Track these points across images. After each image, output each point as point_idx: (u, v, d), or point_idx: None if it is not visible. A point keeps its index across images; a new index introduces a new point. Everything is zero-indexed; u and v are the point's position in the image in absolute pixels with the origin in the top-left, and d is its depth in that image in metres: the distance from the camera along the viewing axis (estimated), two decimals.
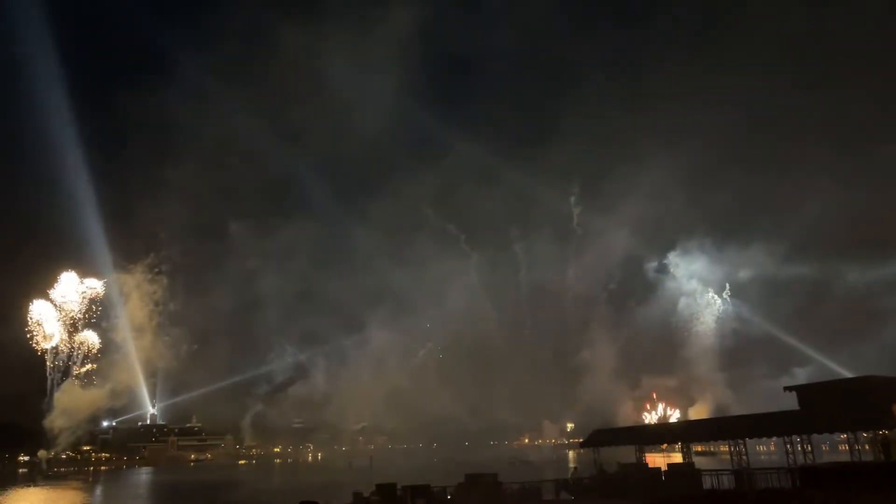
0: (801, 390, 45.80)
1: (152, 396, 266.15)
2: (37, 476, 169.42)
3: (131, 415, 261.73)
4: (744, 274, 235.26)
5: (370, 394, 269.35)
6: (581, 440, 63.04)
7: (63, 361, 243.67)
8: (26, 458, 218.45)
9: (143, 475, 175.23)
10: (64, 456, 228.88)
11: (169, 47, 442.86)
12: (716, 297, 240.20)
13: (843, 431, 41.25)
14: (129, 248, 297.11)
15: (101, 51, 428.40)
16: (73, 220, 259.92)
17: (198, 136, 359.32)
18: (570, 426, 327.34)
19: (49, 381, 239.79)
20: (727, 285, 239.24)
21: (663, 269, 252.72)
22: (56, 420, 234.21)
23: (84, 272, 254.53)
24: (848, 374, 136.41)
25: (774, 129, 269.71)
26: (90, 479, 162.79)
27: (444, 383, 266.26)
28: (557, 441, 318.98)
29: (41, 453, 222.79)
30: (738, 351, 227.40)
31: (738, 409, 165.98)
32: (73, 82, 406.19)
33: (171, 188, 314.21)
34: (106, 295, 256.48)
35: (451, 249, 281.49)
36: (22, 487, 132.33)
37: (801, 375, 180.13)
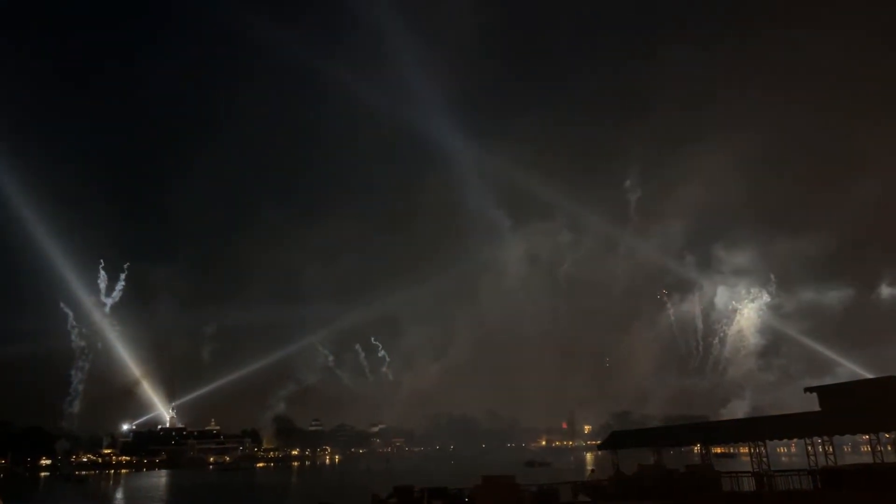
0: (822, 391, 45.24)
1: (172, 399, 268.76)
2: (60, 481, 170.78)
3: (149, 415, 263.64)
4: (792, 267, 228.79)
5: (391, 395, 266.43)
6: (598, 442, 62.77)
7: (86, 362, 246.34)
8: (48, 462, 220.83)
9: (164, 478, 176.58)
10: (85, 459, 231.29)
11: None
12: (762, 291, 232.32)
13: (864, 433, 40.68)
14: (157, 239, 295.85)
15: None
16: (94, 213, 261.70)
17: (240, 117, 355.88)
18: (587, 428, 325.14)
19: (72, 382, 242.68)
20: (773, 277, 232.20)
21: (707, 263, 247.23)
22: (77, 421, 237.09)
23: (108, 268, 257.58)
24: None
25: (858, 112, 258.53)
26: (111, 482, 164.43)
27: (467, 384, 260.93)
28: (574, 443, 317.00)
29: (60, 444, 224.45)
30: (779, 348, 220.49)
31: (776, 410, 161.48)
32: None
33: (205, 177, 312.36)
34: (131, 291, 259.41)
35: (496, 238, 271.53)
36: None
37: (844, 374, 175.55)
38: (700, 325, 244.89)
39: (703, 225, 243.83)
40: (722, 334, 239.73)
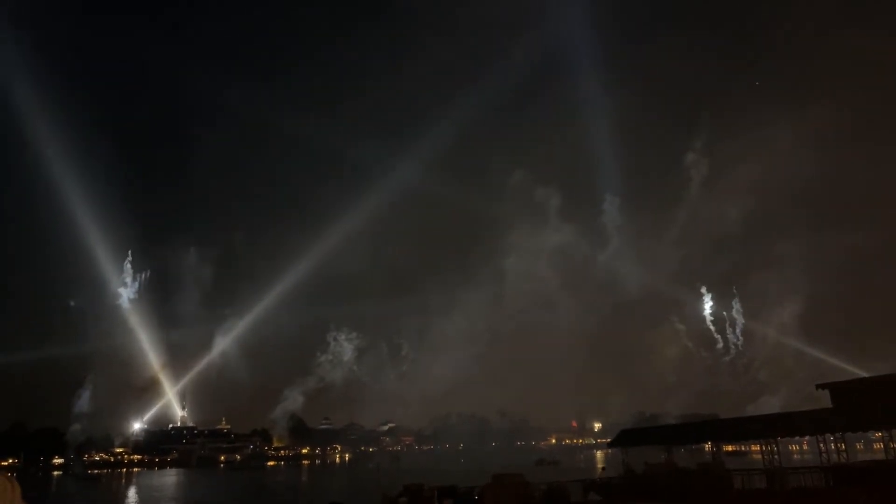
0: (834, 388, 44.96)
1: (182, 398, 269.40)
2: (73, 480, 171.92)
3: (157, 406, 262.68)
4: (840, 260, 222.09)
5: (402, 393, 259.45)
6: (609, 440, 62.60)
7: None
8: (60, 461, 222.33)
9: (175, 476, 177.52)
10: (98, 458, 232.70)
11: None
12: (807, 283, 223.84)
13: (876, 429, 40.44)
14: (177, 232, 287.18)
15: None
16: (109, 208, 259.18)
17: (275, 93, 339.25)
18: (597, 426, 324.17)
19: (86, 381, 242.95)
20: (818, 269, 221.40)
21: (754, 252, 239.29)
22: (90, 420, 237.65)
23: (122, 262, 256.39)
24: None
25: None
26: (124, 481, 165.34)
27: (478, 382, 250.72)
28: (584, 441, 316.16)
29: (73, 431, 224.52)
30: (819, 342, 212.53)
31: (810, 405, 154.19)
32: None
33: (226, 163, 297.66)
34: (150, 286, 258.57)
35: (536, 222, 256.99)
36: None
37: (884, 369, 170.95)
38: (740, 318, 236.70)
39: (759, 210, 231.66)
40: (762, 328, 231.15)
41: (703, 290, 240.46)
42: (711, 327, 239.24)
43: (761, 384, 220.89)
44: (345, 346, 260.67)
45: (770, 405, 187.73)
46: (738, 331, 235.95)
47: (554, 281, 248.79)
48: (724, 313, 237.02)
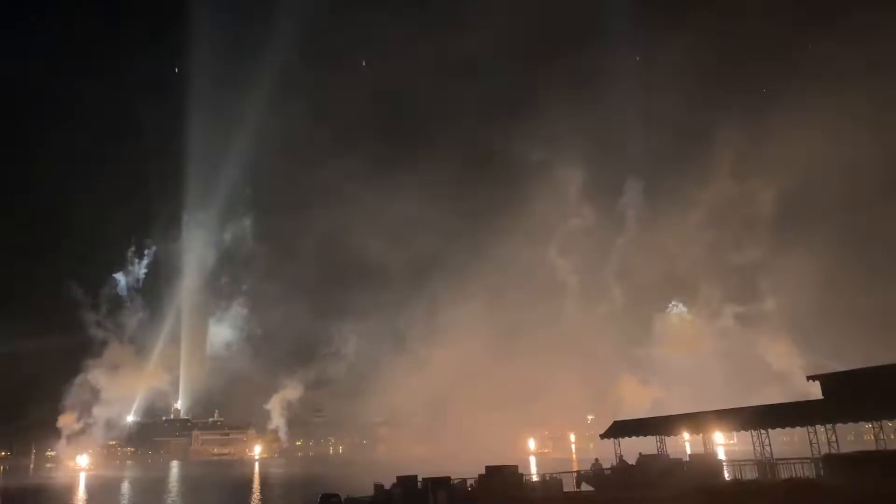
0: (825, 379, 45.27)
1: (175, 391, 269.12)
2: (64, 473, 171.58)
3: (152, 398, 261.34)
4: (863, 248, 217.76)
5: (399, 385, 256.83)
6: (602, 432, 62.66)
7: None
8: (53, 454, 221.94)
9: (168, 469, 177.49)
10: (91, 450, 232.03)
11: None
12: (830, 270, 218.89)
13: (867, 420, 40.75)
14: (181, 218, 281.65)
15: None
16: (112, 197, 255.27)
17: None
18: (590, 418, 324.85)
19: (82, 372, 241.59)
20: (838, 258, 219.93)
21: (777, 237, 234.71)
22: (87, 412, 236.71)
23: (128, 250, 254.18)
24: None
25: None
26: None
27: (481, 375, 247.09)
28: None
29: (65, 420, 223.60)
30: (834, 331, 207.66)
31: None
32: None
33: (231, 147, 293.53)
34: (151, 274, 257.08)
35: (555, 208, 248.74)
36: None
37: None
38: (750, 308, 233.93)
39: (779, 201, 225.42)
40: (774, 318, 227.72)
41: (712, 281, 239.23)
42: (720, 318, 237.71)
43: (774, 373, 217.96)
44: (347, 338, 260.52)
45: (778, 395, 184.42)
46: (746, 322, 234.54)
47: (560, 271, 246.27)
48: (733, 305, 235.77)
